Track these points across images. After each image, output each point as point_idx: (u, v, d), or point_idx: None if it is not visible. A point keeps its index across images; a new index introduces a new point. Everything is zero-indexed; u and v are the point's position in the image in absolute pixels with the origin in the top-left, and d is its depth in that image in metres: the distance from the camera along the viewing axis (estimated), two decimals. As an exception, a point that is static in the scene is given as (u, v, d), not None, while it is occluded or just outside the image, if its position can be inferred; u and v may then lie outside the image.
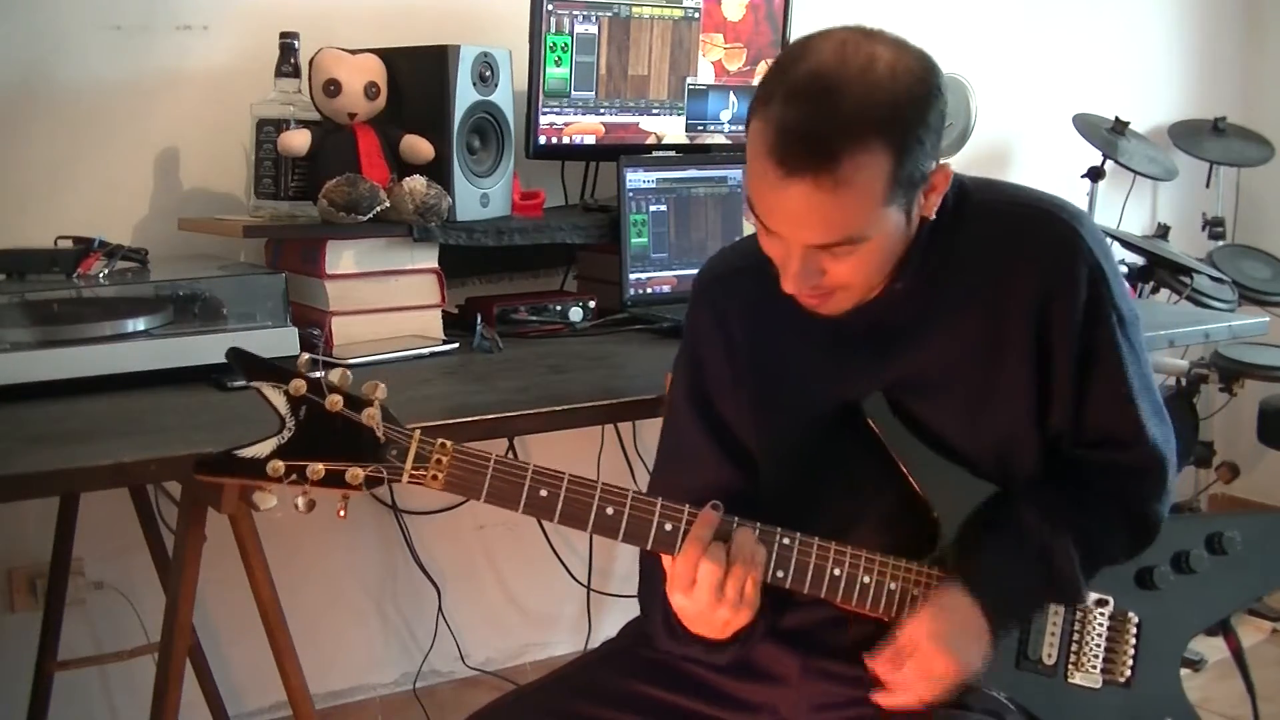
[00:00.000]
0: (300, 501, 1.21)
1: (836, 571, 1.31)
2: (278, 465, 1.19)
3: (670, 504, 1.27)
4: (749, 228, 2.46)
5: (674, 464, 1.47)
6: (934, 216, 1.31)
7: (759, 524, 1.29)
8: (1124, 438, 1.37)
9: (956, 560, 1.34)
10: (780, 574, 1.30)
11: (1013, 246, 1.34)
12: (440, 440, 1.23)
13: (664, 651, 1.42)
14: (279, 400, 1.19)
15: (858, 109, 1.16)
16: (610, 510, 1.26)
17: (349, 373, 1.21)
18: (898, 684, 1.29)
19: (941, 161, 1.27)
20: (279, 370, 1.19)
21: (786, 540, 1.30)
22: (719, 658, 1.37)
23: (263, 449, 1.19)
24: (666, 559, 1.28)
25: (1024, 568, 1.33)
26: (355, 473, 1.20)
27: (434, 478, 1.22)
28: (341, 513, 1.24)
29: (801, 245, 1.24)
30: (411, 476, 1.22)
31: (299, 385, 1.18)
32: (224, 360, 1.74)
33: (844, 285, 1.29)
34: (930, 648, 1.28)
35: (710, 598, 1.26)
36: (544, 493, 1.24)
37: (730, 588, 1.26)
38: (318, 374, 1.19)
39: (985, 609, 1.30)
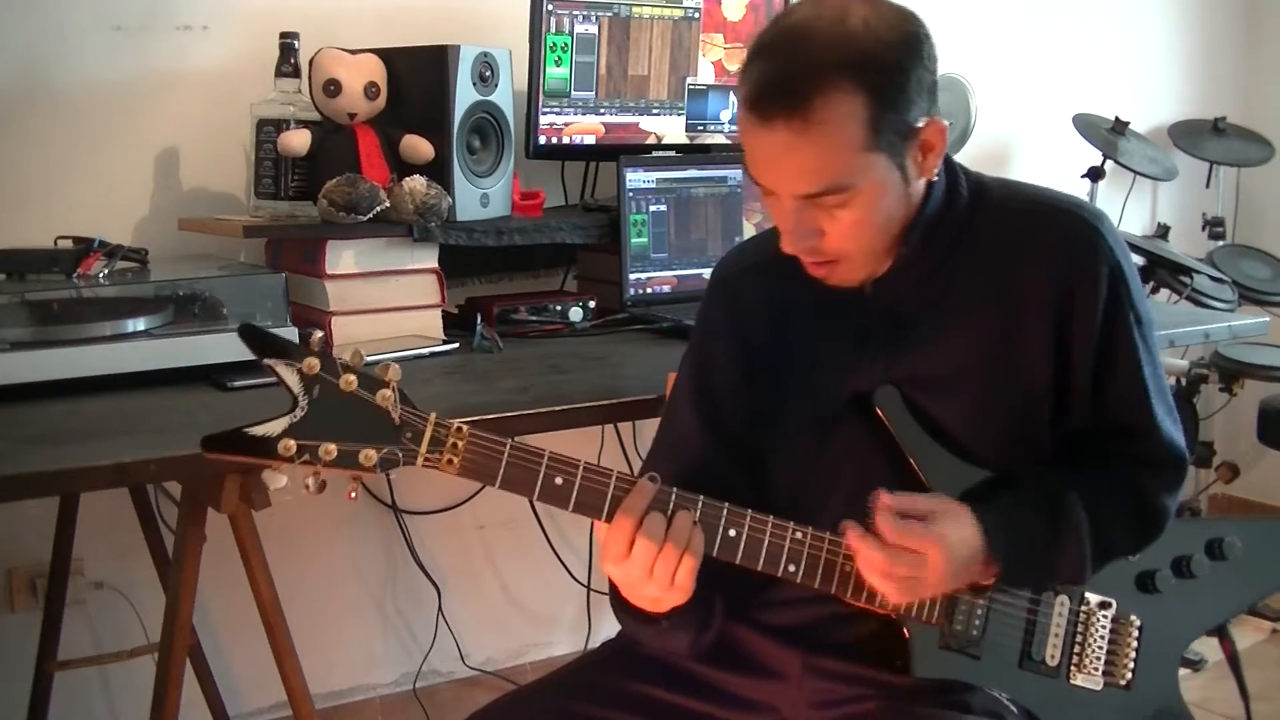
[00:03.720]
0: (311, 481, 1.19)
1: (848, 568, 1.29)
2: (289, 444, 1.16)
3: (685, 493, 1.26)
4: (749, 228, 2.47)
5: (667, 451, 1.47)
6: (937, 178, 1.31)
7: (703, 499, 1.26)
8: (1138, 432, 1.37)
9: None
10: (791, 568, 1.29)
11: (1033, 243, 1.34)
12: (456, 424, 1.21)
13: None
14: (292, 378, 1.17)
15: (826, 51, 1.19)
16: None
17: (363, 352, 1.19)
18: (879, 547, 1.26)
19: (935, 118, 1.26)
20: (293, 348, 1.17)
21: (799, 535, 1.29)
22: (646, 633, 1.35)
23: (274, 427, 1.16)
24: (600, 527, 1.26)
25: (1031, 513, 1.32)
26: (369, 454, 1.18)
27: (449, 462, 1.21)
28: (353, 494, 1.23)
29: (793, 198, 1.25)
30: (426, 460, 1.20)
31: (312, 364, 1.17)
32: (224, 360, 1.77)
33: (844, 250, 1.29)
34: (931, 536, 1.25)
35: (642, 574, 1.24)
36: (559, 480, 1.23)
37: (661, 568, 1.23)
38: (332, 353, 1.18)
39: (988, 541, 1.28)
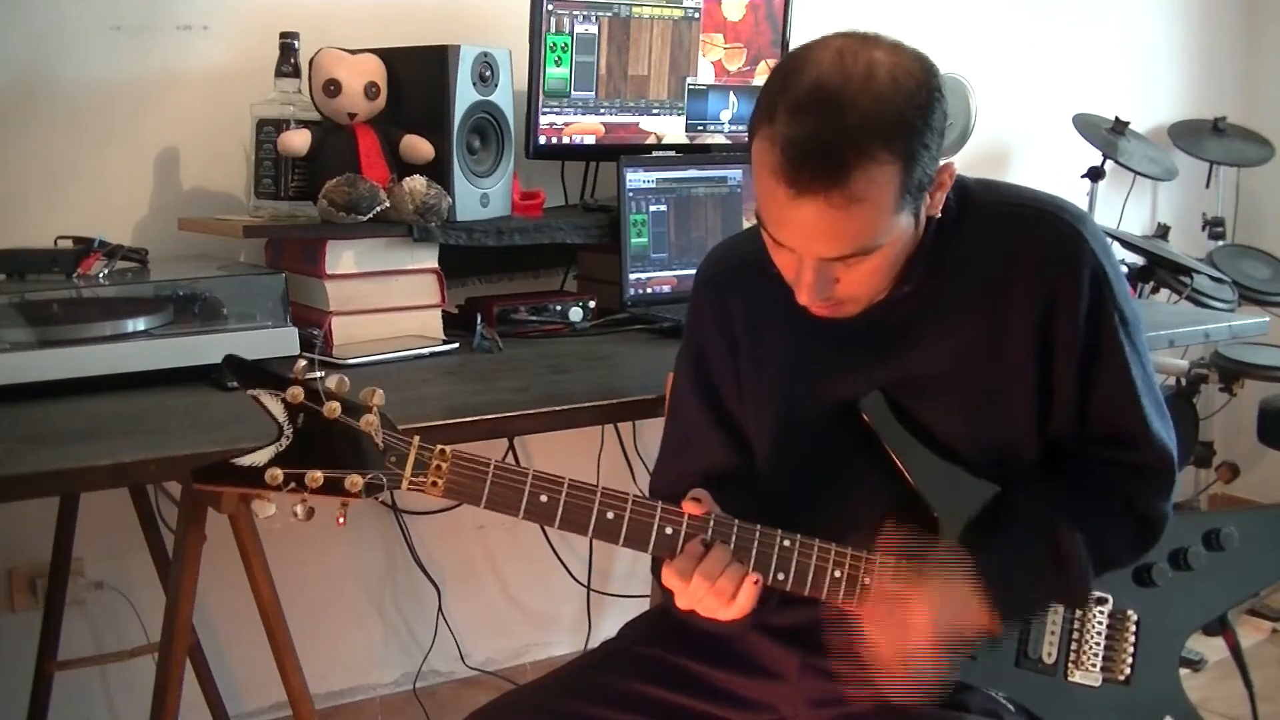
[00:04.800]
0: (299, 509, 1.21)
1: (837, 574, 1.30)
2: (276, 473, 1.18)
3: (670, 507, 1.27)
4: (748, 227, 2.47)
5: (679, 450, 1.48)
6: (939, 214, 1.31)
7: (688, 516, 1.28)
8: (1129, 437, 1.37)
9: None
10: (781, 576, 1.30)
11: (1015, 248, 1.34)
12: (439, 447, 1.23)
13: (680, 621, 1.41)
14: (276, 408, 1.18)
15: (863, 121, 1.16)
16: (611, 515, 1.26)
17: (346, 378, 1.21)
18: (873, 631, 1.28)
19: (944, 160, 1.27)
20: (275, 377, 1.19)
21: (787, 542, 1.30)
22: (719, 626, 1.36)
23: (261, 457, 1.18)
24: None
25: (1029, 552, 1.32)
26: (354, 480, 1.20)
27: (433, 484, 1.23)
28: (341, 520, 1.24)
29: (814, 258, 1.24)
30: (411, 484, 1.22)
31: (296, 393, 1.18)
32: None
33: (856, 295, 1.29)
34: (917, 603, 1.26)
35: (706, 595, 1.26)
36: (544, 498, 1.24)
37: (724, 586, 1.26)
38: (315, 376, 1.19)
39: (985, 588, 1.28)
